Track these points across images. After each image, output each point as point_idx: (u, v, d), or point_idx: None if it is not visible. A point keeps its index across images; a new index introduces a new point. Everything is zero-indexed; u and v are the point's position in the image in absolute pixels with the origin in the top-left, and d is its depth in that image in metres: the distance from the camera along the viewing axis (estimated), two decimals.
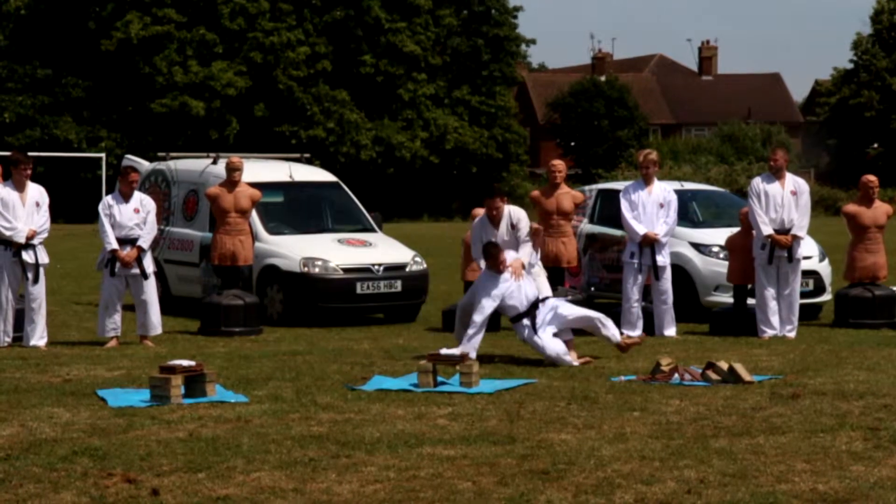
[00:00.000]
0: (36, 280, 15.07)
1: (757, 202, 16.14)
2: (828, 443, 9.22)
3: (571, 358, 13.44)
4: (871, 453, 8.87)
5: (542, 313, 13.68)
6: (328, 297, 17.90)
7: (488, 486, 8.01)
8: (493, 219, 14.18)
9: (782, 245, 16.05)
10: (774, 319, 15.99)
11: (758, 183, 16.35)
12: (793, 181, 16.40)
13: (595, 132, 73.13)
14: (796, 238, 16.14)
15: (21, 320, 15.20)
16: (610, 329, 14.00)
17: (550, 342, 13.49)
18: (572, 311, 13.93)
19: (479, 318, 13.37)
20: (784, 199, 16.16)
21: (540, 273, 14.47)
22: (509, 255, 13.80)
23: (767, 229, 16.03)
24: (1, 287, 15.08)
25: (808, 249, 18.36)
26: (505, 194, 14.73)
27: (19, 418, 10.32)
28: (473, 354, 12.91)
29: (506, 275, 13.60)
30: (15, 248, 15.00)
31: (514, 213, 14.21)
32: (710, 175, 61.66)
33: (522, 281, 13.69)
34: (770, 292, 16.01)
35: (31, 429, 9.87)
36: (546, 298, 13.93)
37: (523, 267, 13.77)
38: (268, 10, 61.61)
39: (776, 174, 16.31)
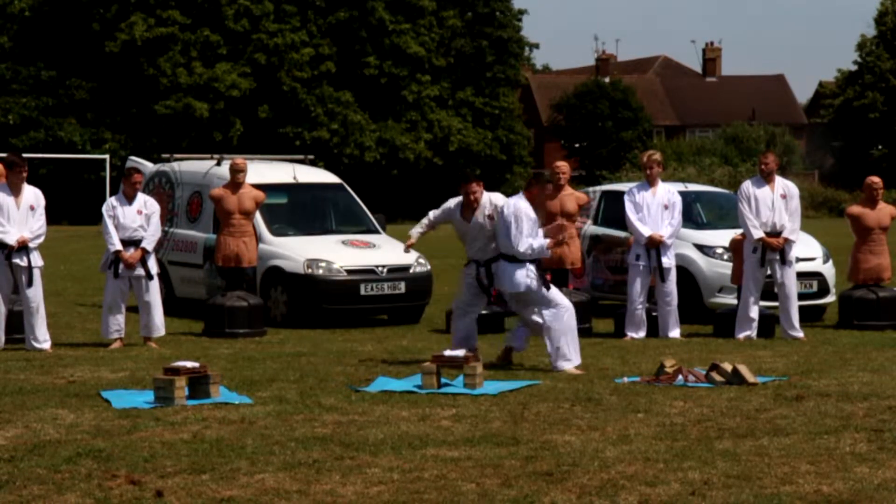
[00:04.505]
0: (30, 283, 14.83)
1: (746, 206, 16.12)
2: (832, 444, 9.21)
3: (573, 352, 13.10)
4: (875, 455, 8.87)
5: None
6: (332, 299, 17.91)
7: (492, 487, 8.01)
8: (470, 206, 13.57)
9: (774, 247, 16.03)
10: (753, 323, 15.98)
11: (747, 187, 16.33)
12: (782, 185, 16.38)
13: (599, 133, 73.13)
14: (788, 241, 16.11)
15: (16, 322, 15.07)
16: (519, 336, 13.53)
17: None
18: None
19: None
20: (774, 203, 16.13)
21: None
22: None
23: (758, 233, 16.02)
24: None
25: (812, 251, 18.38)
26: (480, 178, 13.88)
27: (23, 420, 10.33)
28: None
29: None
30: (6, 251, 14.77)
31: (493, 201, 13.53)
32: (715, 176, 61.65)
33: None
34: (753, 296, 16.01)
35: (35, 430, 9.87)
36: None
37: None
38: (272, 12, 61.62)
39: (766, 178, 16.29)
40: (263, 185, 18.09)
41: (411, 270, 18.41)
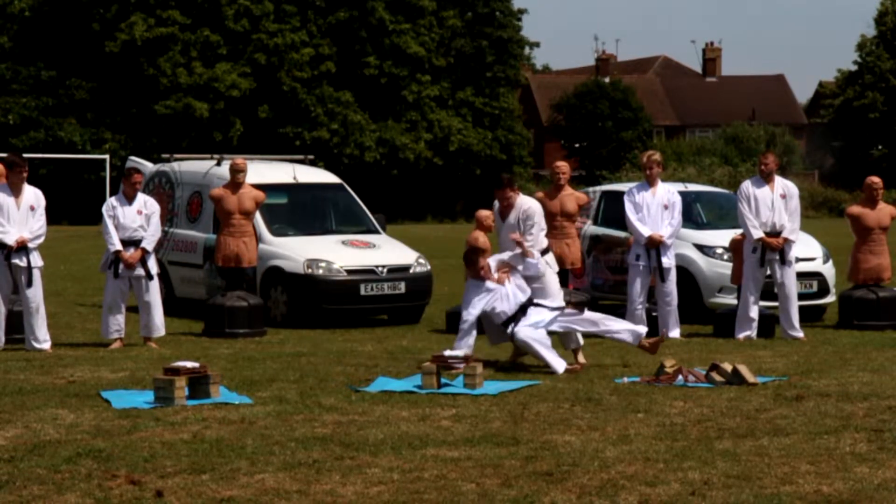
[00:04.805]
0: (30, 283, 14.78)
1: (746, 206, 16.12)
2: (832, 444, 9.21)
3: (555, 358, 13.09)
4: (875, 455, 8.87)
5: (531, 315, 13.40)
6: (332, 299, 17.90)
7: (492, 487, 8.01)
8: (505, 210, 14.05)
9: (773, 247, 16.03)
10: (753, 323, 15.99)
11: (747, 186, 16.32)
12: (782, 185, 16.38)
13: (599, 134, 73.13)
14: (788, 241, 16.11)
15: (16, 322, 15.04)
16: (623, 335, 13.52)
17: (530, 332, 13.18)
18: (574, 317, 13.47)
19: (465, 324, 13.36)
20: (774, 203, 16.13)
21: (549, 274, 14.11)
22: (492, 261, 13.64)
23: (758, 233, 16.02)
24: None
25: (812, 251, 18.38)
26: (515, 183, 14.37)
27: (23, 420, 10.32)
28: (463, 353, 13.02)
29: (489, 284, 13.47)
30: (6, 251, 14.73)
31: (524, 206, 13.96)
32: (714, 176, 61.70)
33: (511, 287, 13.46)
34: (753, 296, 16.01)
35: (35, 430, 9.87)
36: (539, 304, 13.54)
37: (518, 261, 13.62)
38: (272, 12, 61.63)
39: (766, 178, 16.29)
40: (263, 185, 18.08)
41: (411, 270, 18.41)
